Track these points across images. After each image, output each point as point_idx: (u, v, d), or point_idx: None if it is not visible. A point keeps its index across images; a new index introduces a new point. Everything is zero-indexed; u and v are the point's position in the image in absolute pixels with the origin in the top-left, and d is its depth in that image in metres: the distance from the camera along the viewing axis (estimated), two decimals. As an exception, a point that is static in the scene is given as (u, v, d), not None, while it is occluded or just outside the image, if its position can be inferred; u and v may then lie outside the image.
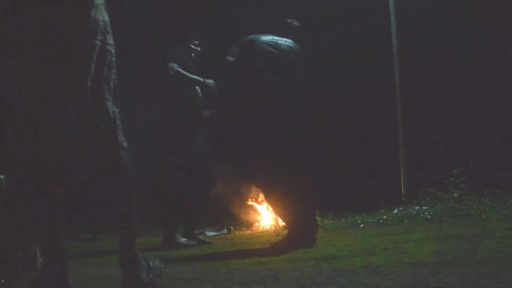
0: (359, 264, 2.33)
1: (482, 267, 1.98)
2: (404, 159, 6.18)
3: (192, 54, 4.51)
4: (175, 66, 4.30)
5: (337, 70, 7.22)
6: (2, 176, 2.44)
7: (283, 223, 5.83)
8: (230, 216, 6.16)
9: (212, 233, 5.54)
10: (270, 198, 3.60)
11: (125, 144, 1.97)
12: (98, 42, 1.87)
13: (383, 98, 6.90)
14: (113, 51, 1.96)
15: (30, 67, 1.80)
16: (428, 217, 4.71)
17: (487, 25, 6.81)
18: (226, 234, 5.51)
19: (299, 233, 3.31)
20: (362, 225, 4.83)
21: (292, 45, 3.60)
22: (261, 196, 6.17)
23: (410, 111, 6.41)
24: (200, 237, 4.55)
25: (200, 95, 4.45)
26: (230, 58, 3.51)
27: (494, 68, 6.83)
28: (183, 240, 4.18)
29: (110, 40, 1.95)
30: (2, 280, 2.32)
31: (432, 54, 7.30)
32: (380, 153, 7.20)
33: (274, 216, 6.00)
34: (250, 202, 6.14)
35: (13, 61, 1.81)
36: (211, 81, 4.44)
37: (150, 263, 1.98)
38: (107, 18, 1.93)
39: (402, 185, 6.14)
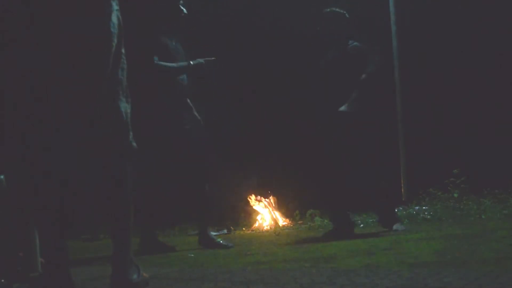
0: (359, 264, 2.33)
1: (482, 267, 1.98)
2: (404, 159, 6.18)
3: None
4: (155, 60, 3.63)
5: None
6: (2, 176, 2.44)
7: (284, 223, 5.85)
8: (230, 216, 6.16)
9: (212, 233, 5.52)
10: None
11: (134, 144, 1.99)
12: (114, 45, 1.91)
13: (383, 98, 6.90)
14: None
15: (45, 67, 1.81)
16: (428, 217, 4.71)
17: (487, 25, 6.81)
18: (226, 234, 5.50)
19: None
20: (362, 225, 4.83)
21: None
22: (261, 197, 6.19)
23: (410, 111, 6.41)
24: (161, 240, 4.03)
25: (186, 81, 3.80)
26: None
27: (494, 68, 6.83)
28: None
29: (123, 43, 1.99)
30: (2, 280, 2.32)
31: (432, 54, 7.30)
32: (380, 153, 7.18)
33: (274, 216, 6.00)
34: (251, 202, 6.14)
35: (26, 60, 1.83)
36: (199, 61, 3.73)
37: (141, 271, 1.99)
38: (121, 23, 1.97)
39: (402, 185, 6.14)
